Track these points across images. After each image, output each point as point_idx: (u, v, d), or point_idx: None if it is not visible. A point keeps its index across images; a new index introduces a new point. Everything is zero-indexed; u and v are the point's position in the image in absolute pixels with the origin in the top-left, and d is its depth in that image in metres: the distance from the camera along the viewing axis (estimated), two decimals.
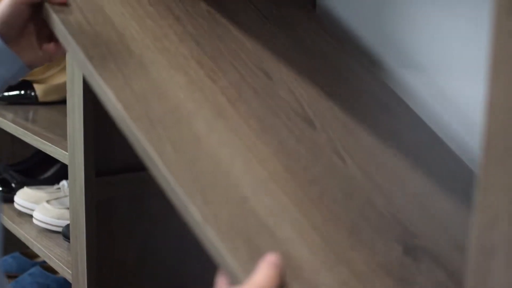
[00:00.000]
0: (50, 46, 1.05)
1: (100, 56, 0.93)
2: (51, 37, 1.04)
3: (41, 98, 1.80)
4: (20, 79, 1.07)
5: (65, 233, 1.51)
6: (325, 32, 1.21)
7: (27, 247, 1.92)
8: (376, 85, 1.13)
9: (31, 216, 1.65)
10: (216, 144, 0.85)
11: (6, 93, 1.79)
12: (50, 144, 1.43)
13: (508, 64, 0.52)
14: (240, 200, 0.79)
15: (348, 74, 1.14)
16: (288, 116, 0.94)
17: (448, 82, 1.16)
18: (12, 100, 1.80)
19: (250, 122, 0.91)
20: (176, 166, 0.80)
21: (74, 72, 1.24)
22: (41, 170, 1.87)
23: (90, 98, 1.23)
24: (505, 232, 0.56)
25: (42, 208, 1.61)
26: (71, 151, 1.30)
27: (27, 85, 1.81)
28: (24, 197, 1.69)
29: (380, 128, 1.02)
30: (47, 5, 0.99)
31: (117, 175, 1.32)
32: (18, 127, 1.57)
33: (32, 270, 1.82)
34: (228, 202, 0.78)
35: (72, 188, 1.30)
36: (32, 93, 1.80)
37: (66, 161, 1.34)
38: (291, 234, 0.77)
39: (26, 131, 1.53)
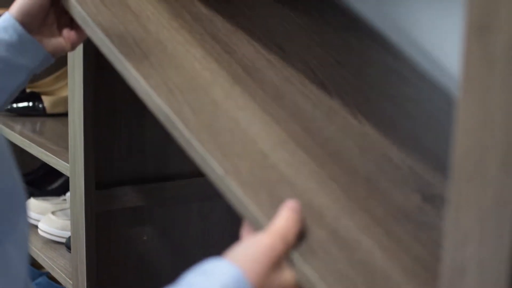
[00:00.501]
0: (71, 34, 1.08)
1: (118, 35, 0.95)
2: (72, 25, 1.07)
3: (49, 110, 1.82)
4: (44, 67, 1.09)
5: (68, 244, 1.51)
6: (341, 15, 1.23)
7: (33, 258, 1.93)
8: (389, 56, 1.14)
9: (37, 227, 1.65)
10: (233, 107, 0.87)
11: (15, 105, 1.80)
12: (53, 156, 1.44)
13: (478, 83, 0.53)
14: (259, 155, 0.81)
15: (360, 46, 1.17)
16: (303, 83, 0.96)
17: None
18: (20, 112, 1.82)
19: (265, 88, 0.93)
20: (195, 126, 0.82)
21: (75, 84, 1.26)
22: (49, 181, 1.88)
23: (90, 110, 1.24)
24: (476, 250, 0.57)
25: (47, 219, 1.61)
26: (72, 163, 1.31)
27: (35, 97, 1.83)
28: (31, 208, 1.69)
29: (394, 94, 1.04)
30: None
31: (117, 187, 1.33)
32: (24, 139, 1.58)
33: (39, 280, 1.81)
34: (248, 156, 0.80)
35: (73, 200, 1.31)
36: (40, 105, 1.82)
37: (67, 173, 1.35)
38: (311, 185, 0.79)
39: (31, 143, 1.54)
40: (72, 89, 1.27)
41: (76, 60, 1.26)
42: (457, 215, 0.58)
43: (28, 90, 1.87)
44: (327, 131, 0.88)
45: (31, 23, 1.03)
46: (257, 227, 0.73)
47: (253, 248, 0.69)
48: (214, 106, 0.87)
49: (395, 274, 0.70)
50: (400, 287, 0.69)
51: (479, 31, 0.52)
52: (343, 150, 0.86)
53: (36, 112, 1.82)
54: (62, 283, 1.42)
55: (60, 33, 1.08)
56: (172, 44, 0.97)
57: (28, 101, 1.82)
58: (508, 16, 0.50)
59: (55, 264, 1.47)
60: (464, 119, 0.55)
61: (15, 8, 1.02)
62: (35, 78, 1.98)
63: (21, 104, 1.81)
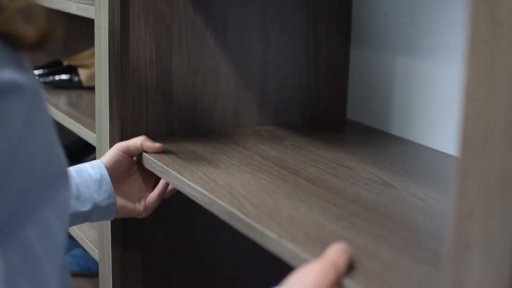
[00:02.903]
0: (151, 196, 1.22)
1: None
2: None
3: (85, 83, 1.82)
4: (101, 220, 1.20)
5: None
6: None
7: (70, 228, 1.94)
8: None
9: None
10: (294, 202, 0.98)
11: (52, 78, 1.82)
12: (82, 127, 1.44)
13: (482, 54, 0.52)
14: (317, 225, 0.90)
15: None
16: (367, 184, 1.07)
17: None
18: (57, 84, 1.82)
19: (329, 189, 1.04)
20: (255, 214, 0.93)
21: (101, 53, 1.25)
22: (82, 155, 1.89)
23: (116, 77, 1.23)
24: (482, 225, 0.55)
25: None
26: (98, 133, 1.30)
27: (72, 70, 1.83)
28: None
29: None
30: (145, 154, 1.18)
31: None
32: (57, 111, 1.58)
33: (74, 251, 1.83)
34: (305, 226, 0.89)
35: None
36: (77, 78, 1.82)
37: (94, 143, 1.35)
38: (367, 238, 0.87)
39: (64, 115, 1.54)
40: (99, 57, 1.26)
41: (102, 34, 1.25)
42: (463, 189, 0.56)
43: (65, 63, 1.88)
44: (390, 208, 0.97)
45: (113, 175, 1.16)
46: None
47: (305, 274, 0.74)
48: (276, 203, 0.97)
49: None
50: None
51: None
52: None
53: (72, 85, 1.82)
54: (90, 253, 1.43)
55: (139, 200, 1.21)
56: (241, 173, 1.10)
57: (66, 73, 1.82)
58: None
59: (84, 234, 1.48)
60: (470, 86, 0.52)
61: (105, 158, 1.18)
62: (72, 51, 2.00)
63: (58, 77, 1.82)
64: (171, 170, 1.11)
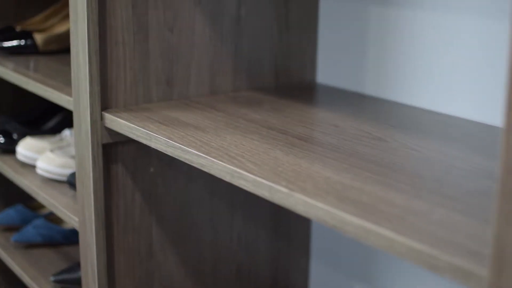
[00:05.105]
0: None
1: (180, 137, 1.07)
2: None
3: (41, 47, 1.77)
4: None
5: (71, 181, 1.48)
6: None
7: (30, 200, 1.90)
8: None
9: (34, 166, 1.62)
10: (294, 158, 0.99)
11: (5, 44, 1.76)
12: (53, 90, 1.40)
13: None
14: (322, 178, 0.91)
15: None
16: (360, 139, 1.08)
17: None
18: (12, 50, 1.75)
19: (323, 145, 1.05)
20: (260, 171, 0.93)
21: (77, 12, 1.23)
22: (43, 121, 1.84)
23: (94, 35, 1.22)
24: None
25: (45, 158, 1.58)
26: (75, 96, 1.28)
27: (27, 34, 1.77)
28: (27, 147, 1.66)
29: None
30: None
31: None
32: (20, 76, 1.54)
33: (36, 222, 1.79)
34: (312, 179, 0.91)
35: (77, 133, 1.29)
36: (33, 43, 1.77)
37: (70, 107, 1.32)
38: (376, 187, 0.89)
39: (28, 79, 1.50)
40: (75, 20, 1.24)
41: None
42: None
43: (18, 29, 1.82)
44: (387, 159, 0.99)
45: None
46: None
47: None
48: (275, 160, 0.98)
49: None
50: None
51: None
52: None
53: (28, 50, 1.76)
54: (66, 221, 1.41)
55: None
56: (231, 135, 1.10)
57: (20, 39, 1.76)
58: None
59: (57, 202, 1.45)
60: None
61: None
62: (24, 16, 1.94)
63: (12, 43, 1.76)
64: (159, 136, 1.10)
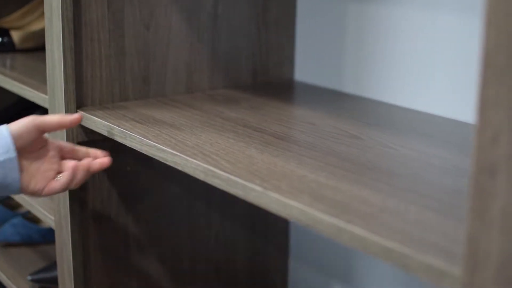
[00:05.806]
0: (54, 184, 1.10)
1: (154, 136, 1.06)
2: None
3: (18, 45, 1.75)
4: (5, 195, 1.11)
5: None
6: None
7: (8, 199, 1.88)
8: None
9: None
10: (268, 157, 0.98)
11: None
12: (30, 89, 1.39)
13: None
14: (298, 177, 0.90)
15: None
16: (336, 137, 1.08)
17: None
18: None
19: (299, 143, 1.05)
20: (234, 170, 0.92)
21: (52, 9, 1.21)
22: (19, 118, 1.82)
23: (69, 32, 1.20)
24: (507, 149, 0.55)
25: None
26: (50, 94, 1.27)
27: (4, 32, 1.75)
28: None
29: None
30: None
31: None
32: None
33: (14, 220, 1.78)
34: (287, 178, 0.90)
35: (52, 133, 1.27)
36: (9, 40, 1.75)
37: (46, 105, 1.31)
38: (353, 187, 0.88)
39: (5, 77, 1.49)
40: (49, 17, 1.22)
41: None
42: (486, 113, 0.56)
43: None
44: (363, 157, 0.99)
45: (21, 146, 1.07)
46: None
47: None
48: (250, 158, 0.97)
49: None
50: None
51: None
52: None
53: (4, 48, 1.75)
54: (43, 219, 1.40)
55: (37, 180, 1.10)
56: (206, 134, 1.09)
57: None
58: None
59: (33, 201, 1.44)
60: (491, 11, 0.53)
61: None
62: (1, 13, 1.92)
63: None
64: (134, 135, 1.09)
